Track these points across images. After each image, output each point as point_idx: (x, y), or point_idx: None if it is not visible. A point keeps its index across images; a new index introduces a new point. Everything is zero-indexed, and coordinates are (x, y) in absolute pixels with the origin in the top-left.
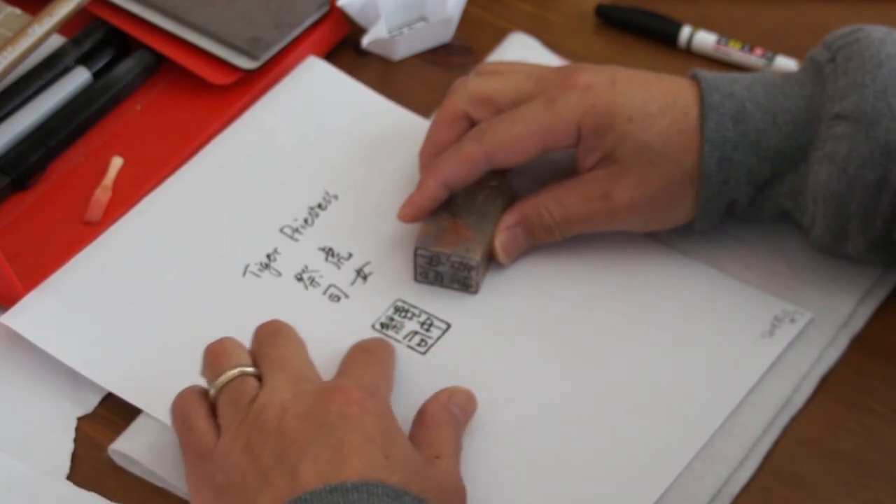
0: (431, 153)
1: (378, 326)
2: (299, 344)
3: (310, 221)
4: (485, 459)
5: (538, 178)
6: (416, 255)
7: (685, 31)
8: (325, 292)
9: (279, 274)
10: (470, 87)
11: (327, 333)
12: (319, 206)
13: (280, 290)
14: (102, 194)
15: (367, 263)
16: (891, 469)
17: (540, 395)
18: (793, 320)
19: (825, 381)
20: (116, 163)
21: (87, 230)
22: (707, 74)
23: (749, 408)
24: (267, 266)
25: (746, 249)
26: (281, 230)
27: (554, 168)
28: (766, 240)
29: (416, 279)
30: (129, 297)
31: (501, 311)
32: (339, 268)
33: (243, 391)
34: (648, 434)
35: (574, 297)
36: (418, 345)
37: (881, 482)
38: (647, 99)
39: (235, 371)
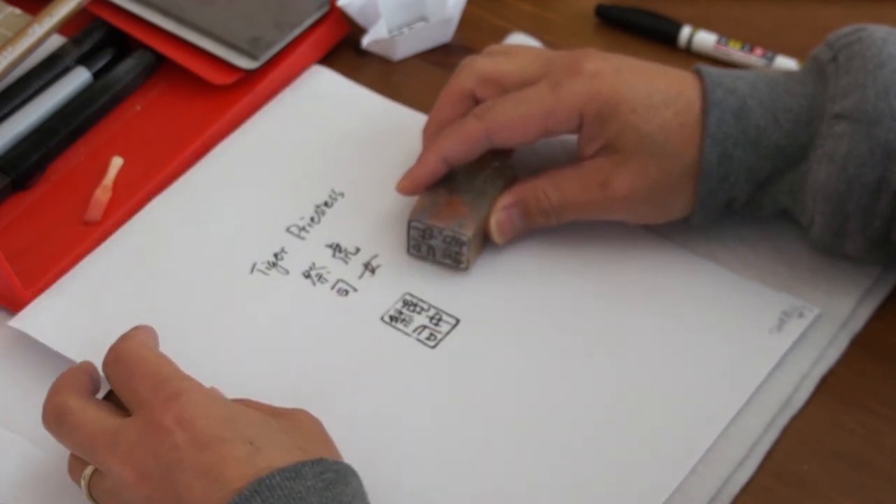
0: (435, 130)
1: (387, 319)
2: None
3: (316, 219)
4: (489, 456)
5: (540, 162)
6: (409, 227)
7: (685, 31)
8: (332, 287)
9: (286, 272)
10: (477, 67)
11: (336, 328)
12: (326, 203)
13: (287, 288)
14: (102, 194)
15: (374, 256)
16: (891, 469)
17: (548, 392)
18: (801, 315)
19: (825, 381)
20: (116, 163)
21: (87, 230)
22: (711, 70)
23: (749, 408)
24: (274, 265)
25: (746, 248)
26: (287, 229)
27: (557, 153)
28: (765, 239)
29: (408, 252)
30: (138, 299)
31: (511, 307)
32: (346, 263)
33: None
34: (658, 431)
35: (584, 296)
36: (427, 339)
37: (881, 482)
38: (652, 90)
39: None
